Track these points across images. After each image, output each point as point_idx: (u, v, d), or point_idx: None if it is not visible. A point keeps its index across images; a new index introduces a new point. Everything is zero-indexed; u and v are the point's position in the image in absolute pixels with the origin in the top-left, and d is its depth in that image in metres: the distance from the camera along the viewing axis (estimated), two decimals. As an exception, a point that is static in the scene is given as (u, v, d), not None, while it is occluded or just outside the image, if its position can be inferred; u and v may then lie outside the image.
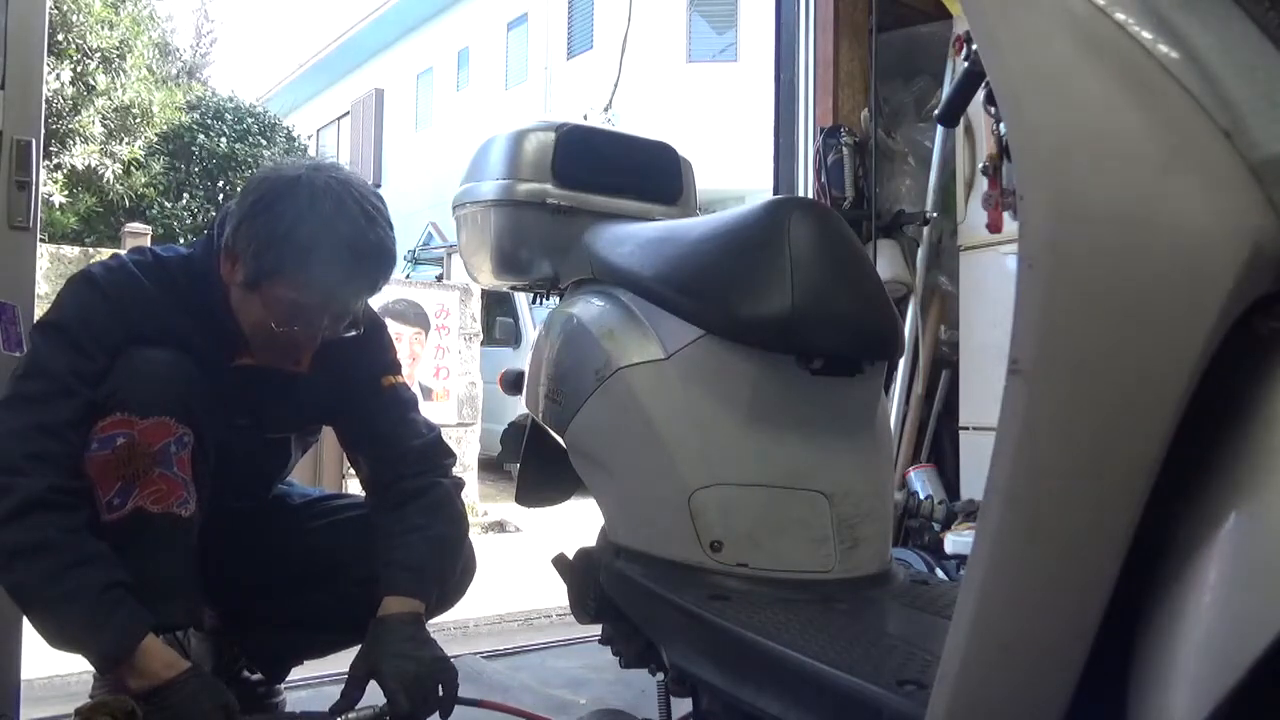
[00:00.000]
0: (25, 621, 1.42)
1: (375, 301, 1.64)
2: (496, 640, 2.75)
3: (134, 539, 1.26)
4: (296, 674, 1.72)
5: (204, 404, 1.35)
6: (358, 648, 1.38)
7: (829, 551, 1.23)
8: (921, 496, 2.63)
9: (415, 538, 1.44)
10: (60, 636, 1.23)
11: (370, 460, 1.55)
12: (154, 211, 8.84)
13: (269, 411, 1.49)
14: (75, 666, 1.64)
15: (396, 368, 1.59)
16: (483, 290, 5.56)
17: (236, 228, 1.33)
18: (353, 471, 1.76)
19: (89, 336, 1.29)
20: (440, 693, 1.33)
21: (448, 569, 1.50)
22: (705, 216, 1.48)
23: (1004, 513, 0.65)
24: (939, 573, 2.27)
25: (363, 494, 1.62)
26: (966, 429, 2.72)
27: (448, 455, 1.58)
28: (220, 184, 9.32)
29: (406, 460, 1.52)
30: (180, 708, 1.20)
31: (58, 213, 8.06)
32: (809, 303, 1.20)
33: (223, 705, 1.23)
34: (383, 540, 1.46)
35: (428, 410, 1.95)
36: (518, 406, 1.72)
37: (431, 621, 1.45)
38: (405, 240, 11.28)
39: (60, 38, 7.75)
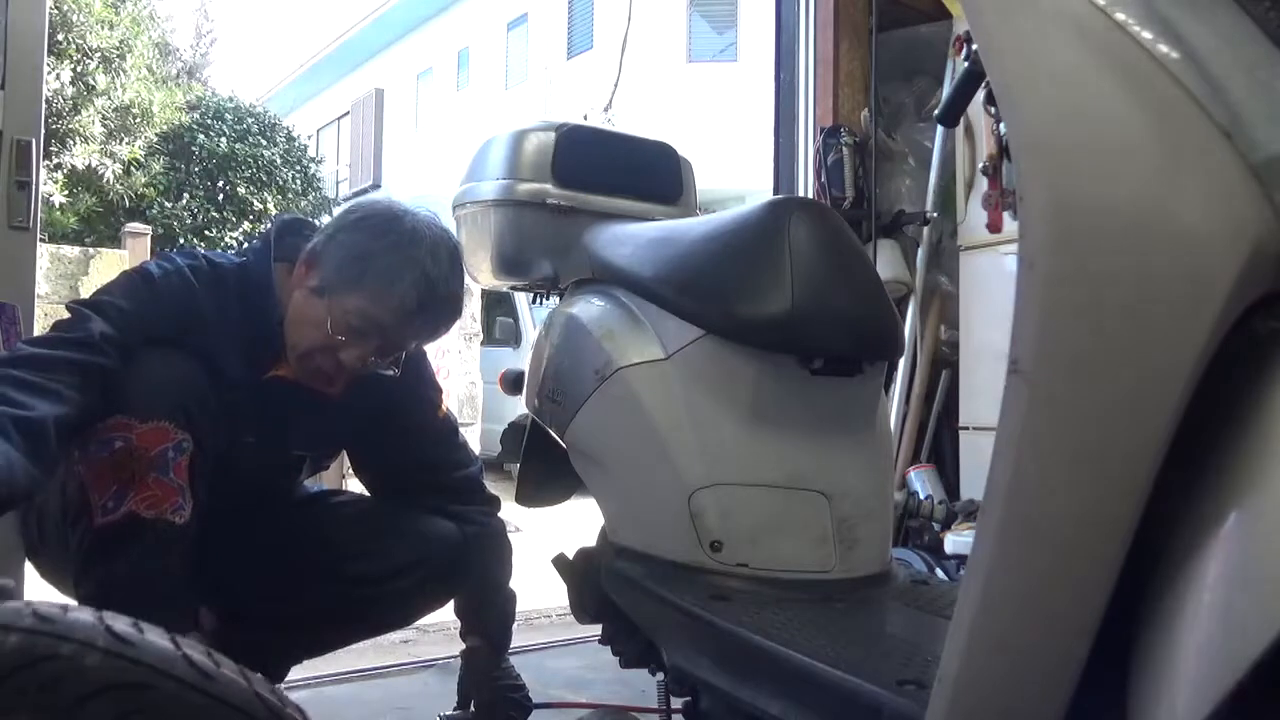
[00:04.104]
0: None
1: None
2: (496, 640, 2.73)
3: (127, 544, 1.25)
4: (296, 674, 1.71)
5: (209, 411, 1.32)
6: (356, 647, 1.39)
7: (829, 551, 1.23)
8: (921, 496, 2.63)
9: (498, 596, 1.66)
10: None
11: (417, 485, 1.61)
12: (154, 211, 8.84)
13: (292, 428, 1.48)
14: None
15: (441, 393, 1.67)
16: (483, 290, 5.56)
17: (331, 236, 1.40)
18: (351, 471, 1.78)
19: (126, 322, 1.27)
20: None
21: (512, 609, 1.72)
22: (705, 216, 1.48)
23: (1004, 513, 0.65)
24: (939, 573, 2.26)
25: (360, 491, 1.63)
26: (966, 429, 2.72)
27: (482, 483, 1.69)
28: (220, 184, 9.31)
29: (459, 490, 1.64)
30: None
31: (58, 213, 8.07)
32: (809, 303, 1.20)
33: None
34: (467, 591, 1.64)
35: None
36: (518, 406, 1.72)
37: (433, 621, 1.46)
38: (405, 240, 11.27)
39: (60, 38, 7.75)
